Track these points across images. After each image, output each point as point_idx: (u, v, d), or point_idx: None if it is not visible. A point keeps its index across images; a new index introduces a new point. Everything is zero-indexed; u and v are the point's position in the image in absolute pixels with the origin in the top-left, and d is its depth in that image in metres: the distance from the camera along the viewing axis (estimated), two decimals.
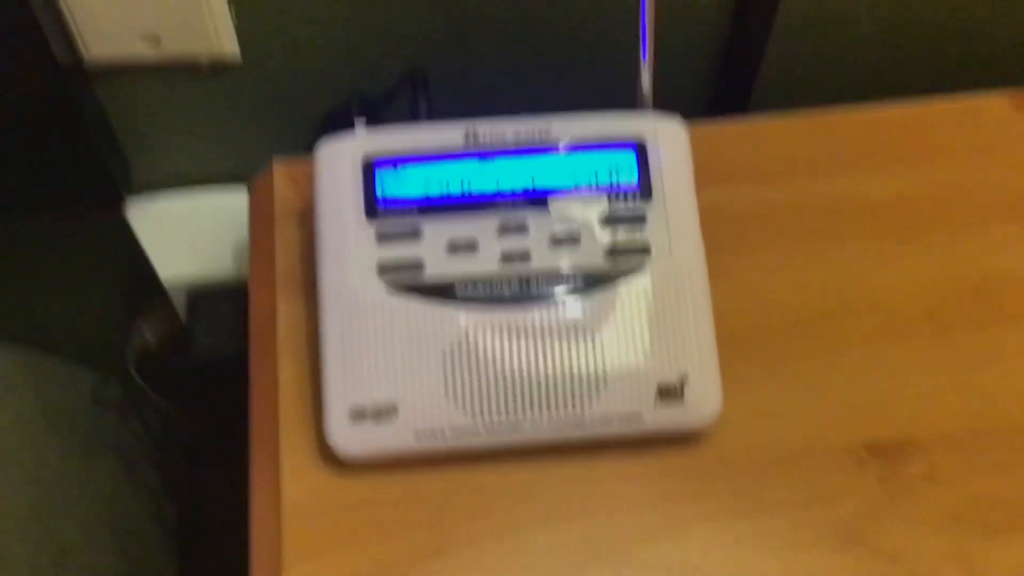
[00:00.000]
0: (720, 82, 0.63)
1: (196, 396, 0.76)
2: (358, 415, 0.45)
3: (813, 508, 0.46)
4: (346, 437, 0.45)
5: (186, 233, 0.66)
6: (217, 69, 0.61)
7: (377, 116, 0.57)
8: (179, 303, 0.68)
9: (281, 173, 0.55)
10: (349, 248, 0.47)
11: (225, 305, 0.66)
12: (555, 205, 0.47)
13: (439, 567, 0.44)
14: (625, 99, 0.51)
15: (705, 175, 0.49)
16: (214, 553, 0.90)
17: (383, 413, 0.45)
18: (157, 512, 0.86)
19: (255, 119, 0.65)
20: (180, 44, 0.58)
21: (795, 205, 0.54)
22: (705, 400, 0.46)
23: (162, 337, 0.72)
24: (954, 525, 0.45)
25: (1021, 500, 0.46)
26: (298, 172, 0.55)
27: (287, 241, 0.53)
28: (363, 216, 0.47)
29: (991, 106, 0.57)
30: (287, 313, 0.51)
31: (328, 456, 0.46)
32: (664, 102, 0.51)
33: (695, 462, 0.47)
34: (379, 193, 0.47)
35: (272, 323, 0.51)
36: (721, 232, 0.51)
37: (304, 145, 0.64)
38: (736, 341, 0.48)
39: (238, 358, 0.66)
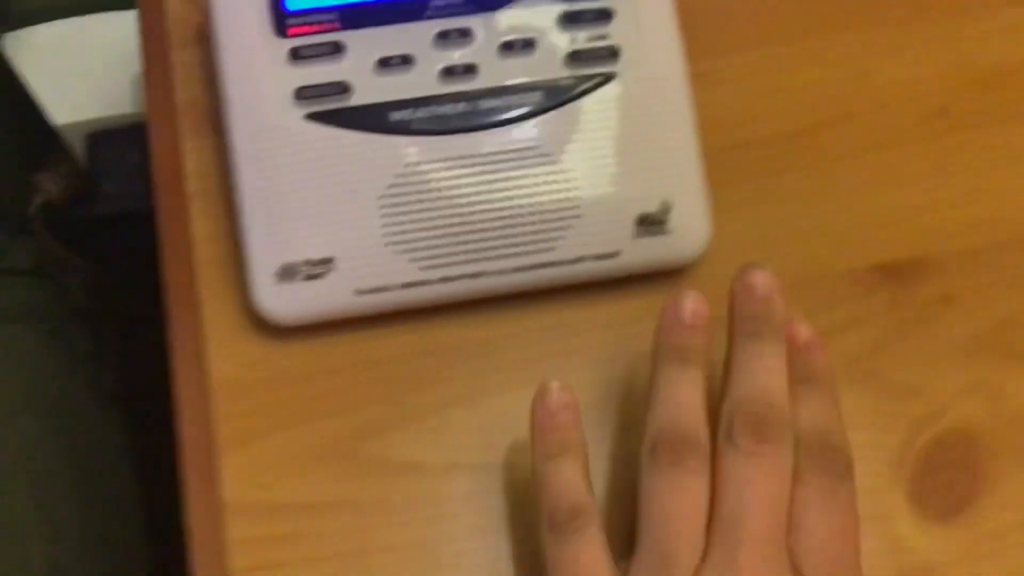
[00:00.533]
0: None
1: (112, 251, 0.69)
2: (287, 273, 0.38)
3: None
4: (275, 299, 0.39)
5: (76, 68, 0.57)
6: None
7: None
8: (79, 149, 0.60)
9: None
10: (256, 73, 0.39)
11: (129, 147, 0.58)
12: (504, 4, 0.39)
13: (397, 440, 0.39)
14: None
15: None
16: (157, 419, 0.86)
17: (316, 269, 0.38)
18: (93, 379, 0.80)
19: None
20: None
21: None
22: (692, 229, 0.40)
23: (66, 188, 0.65)
24: (975, 352, 0.41)
25: None
26: None
27: (187, 67, 0.45)
28: (270, 31, 0.39)
29: None
30: (195, 153, 0.43)
31: (260, 324, 0.40)
32: None
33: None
34: (288, 2, 0.39)
35: (178, 168, 0.43)
36: (697, 31, 0.43)
37: None
38: (721, 159, 0.42)
39: (145, 209, 0.59)
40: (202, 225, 0.42)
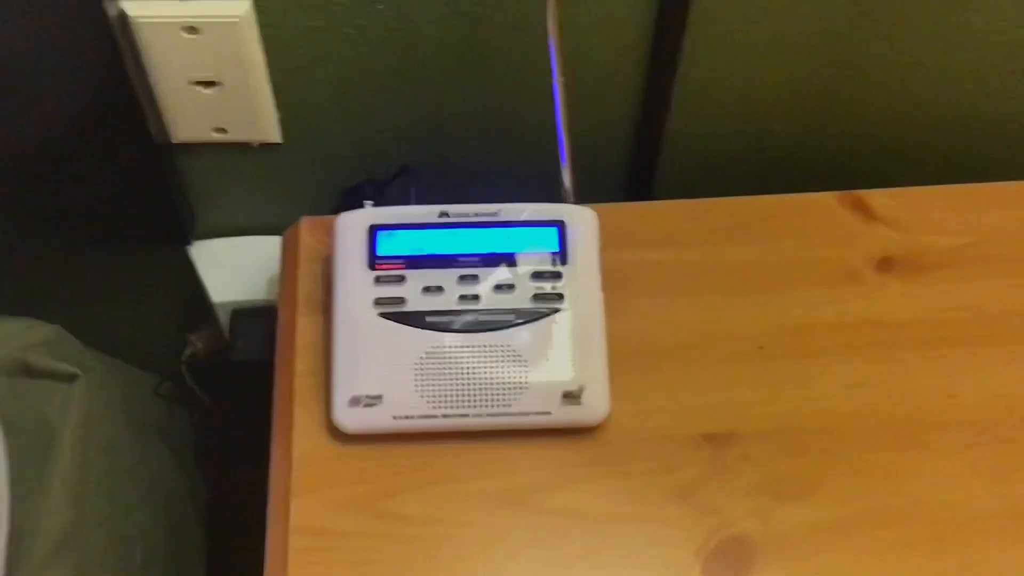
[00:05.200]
0: (632, 172, 0.85)
1: (234, 394, 0.97)
2: (354, 402, 0.66)
3: (660, 475, 0.65)
4: (345, 416, 0.66)
5: (233, 268, 0.87)
6: (265, 149, 0.80)
7: (382, 193, 0.79)
8: (224, 320, 0.89)
9: (306, 228, 0.76)
10: (355, 287, 0.67)
11: (259, 322, 0.87)
12: (499, 264, 0.68)
13: (396, 501, 0.64)
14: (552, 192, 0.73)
15: (610, 240, 0.70)
16: (234, 533, 1.10)
17: (372, 400, 0.66)
18: (192, 492, 1.06)
19: (289, 188, 0.84)
20: (240, 133, 0.79)
21: (674, 265, 0.74)
22: (597, 403, 0.66)
23: (209, 347, 0.94)
24: (758, 492, 0.65)
25: (806, 478, 0.66)
26: (319, 228, 0.75)
27: (307, 276, 0.74)
28: (366, 266, 0.68)
29: (822, 201, 0.78)
30: (304, 327, 0.71)
31: (329, 428, 0.67)
32: (591, 185, 0.71)
33: (580, 443, 0.67)
34: (378, 251, 0.68)
35: (293, 333, 0.72)
36: (616, 281, 0.71)
37: (325, 209, 0.85)
38: (621, 360, 0.68)
39: (267, 362, 0.88)
40: (301, 365, 0.70)
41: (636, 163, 0.83)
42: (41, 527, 0.75)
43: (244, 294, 0.87)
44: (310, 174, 0.84)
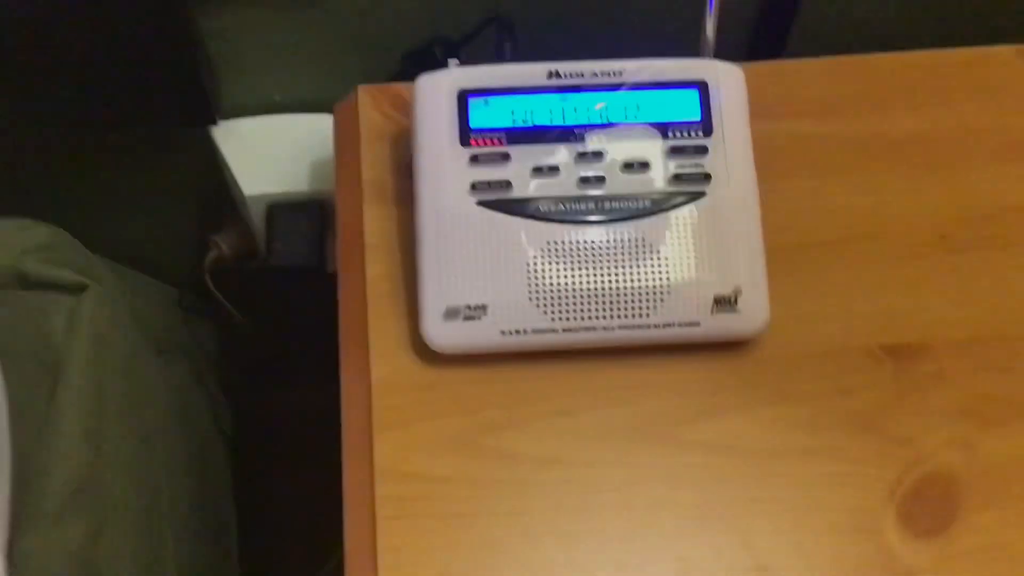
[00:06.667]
0: (759, 30, 0.70)
1: (266, 305, 0.83)
2: (451, 313, 0.52)
3: (834, 399, 0.54)
4: (440, 332, 0.53)
5: (267, 153, 0.73)
6: (305, 1, 0.67)
7: (457, 55, 0.64)
8: (257, 218, 0.75)
9: (366, 99, 0.62)
10: (445, 170, 0.54)
11: (301, 219, 0.73)
12: (628, 136, 0.54)
13: (505, 437, 0.53)
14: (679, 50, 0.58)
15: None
16: (263, 464, 0.98)
17: (473, 312, 0.52)
18: (217, 419, 0.93)
19: (336, 52, 0.71)
20: None
21: (826, 138, 0.61)
22: (756, 310, 0.53)
23: (237, 250, 0.80)
24: (957, 417, 0.54)
25: (1015, 398, 0.54)
26: (382, 98, 0.62)
27: (371, 159, 0.60)
28: (457, 142, 0.54)
29: (1001, 56, 0.64)
30: (373, 220, 0.58)
31: (416, 346, 0.54)
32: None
33: (733, 360, 0.55)
34: (472, 123, 0.54)
35: (359, 228, 0.58)
36: (760, 162, 0.58)
37: (380, 78, 0.71)
38: (774, 257, 0.55)
39: (311, 266, 0.74)
40: (376, 268, 0.56)
41: (767, 14, 0.67)
42: (53, 471, 0.62)
43: (281, 185, 0.73)
44: (361, 33, 0.70)
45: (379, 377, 0.54)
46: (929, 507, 0.51)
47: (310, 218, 0.73)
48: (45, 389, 0.64)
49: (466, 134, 0.54)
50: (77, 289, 0.67)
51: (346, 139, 0.62)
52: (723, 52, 0.58)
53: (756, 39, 0.71)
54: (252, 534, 0.94)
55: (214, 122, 0.72)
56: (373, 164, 0.60)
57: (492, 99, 0.54)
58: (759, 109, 0.60)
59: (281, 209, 0.73)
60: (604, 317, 0.52)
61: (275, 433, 0.99)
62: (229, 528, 0.90)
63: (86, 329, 0.67)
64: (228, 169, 0.73)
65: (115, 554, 0.65)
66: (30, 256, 0.68)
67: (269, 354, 0.92)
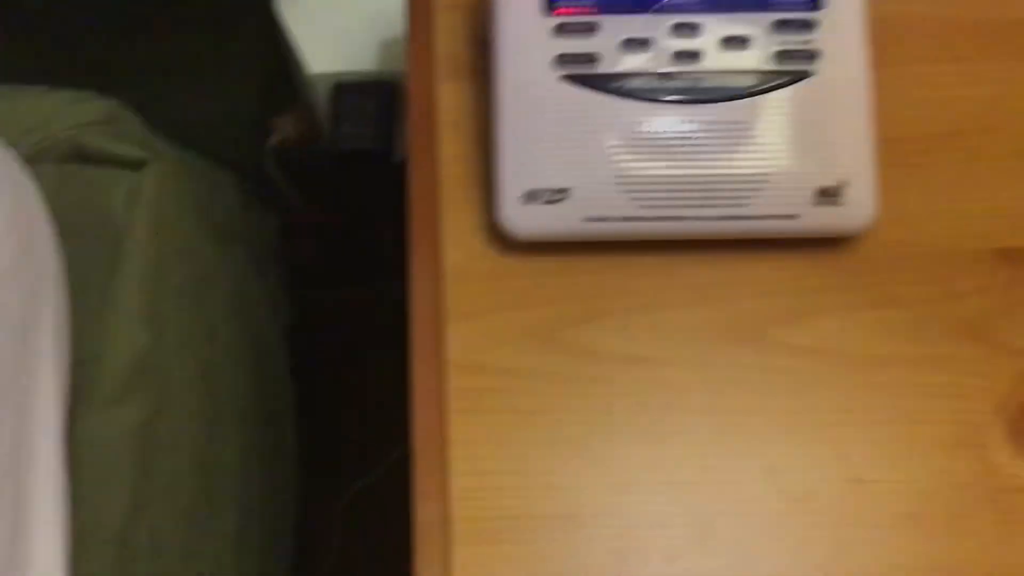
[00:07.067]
0: None
1: (333, 192, 0.80)
2: (531, 197, 0.49)
3: (941, 304, 0.50)
4: (518, 216, 0.49)
5: (334, 27, 0.68)
6: None
7: None
8: (323, 98, 0.71)
9: None
10: (526, 41, 0.49)
11: (370, 99, 0.69)
12: (728, 7, 0.49)
13: (586, 331, 0.49)
14: None
15: None
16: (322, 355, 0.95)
17: (556, 196, 0.49)
18: (276, 310, 0.90)
19: None
20: None
21: (941, 20, 0.55)
22: (862, 205, 0.49)
23: (301, 132, 0.76)
24: None
25: None
26: None
27: (446, 31, 0.56)
28: (540, 10, 0.49)
29: None
30: (447, 95, 0.54)
31: (491, 232, 0.50)
32: None
33: (832, 257, 0.50)
34: None
35: (432, 104, 0.54)
36: (878, 43, 0.52)
37: None
38: (881, 149, 0.51)
39: (379, 151, 0.70)
40: (449, 149, 0.52)
41: None
42: (112, 351, 0.60)
43: (348, 63, 0.69)
44: None
45: (452, 264, 0.50)
46: None
47: (379, 99, 0.69)
48: (104, 267, 0.62)
49: (551, 1, 0.49)
50: (138, 165, 0.65)
51: (418, 9, 0.57)
52: None
53: None
54: (308, 428, 0.92)
55: None
56: (447, 36, 0.56)
57: None
58: None
59: (348, 89, 0.69)
60: (696, 206, 0.48)
61: (334, 329, 0.97)
62: (286, 417, 0.88)
63: (146, 208, 0.64)
64: (293, 44, 0.69)
65: (174, 436, 0.63)
66: (89, 129, 0.66)
67: (332, 245, 0.89)
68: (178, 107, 0.78)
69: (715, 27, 0.49)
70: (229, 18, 0.72)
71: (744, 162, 0.48)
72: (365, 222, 0.81)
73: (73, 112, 0.66)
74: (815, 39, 0.49)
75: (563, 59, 0.49)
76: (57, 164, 0.64)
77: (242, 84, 0.77)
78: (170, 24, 0.74)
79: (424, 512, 0.46)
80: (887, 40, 0.53)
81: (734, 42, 0.49)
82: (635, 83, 0.48)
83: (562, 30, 0.49)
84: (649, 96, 0.48)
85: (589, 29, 0.49)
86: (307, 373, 0.92)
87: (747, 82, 0.48)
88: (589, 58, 0.49)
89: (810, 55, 0.48)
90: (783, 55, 0.48)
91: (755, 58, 0.49)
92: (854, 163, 0.49)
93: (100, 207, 0.63)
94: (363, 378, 1.00)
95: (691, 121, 0.48)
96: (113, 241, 0.62)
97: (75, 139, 0.65)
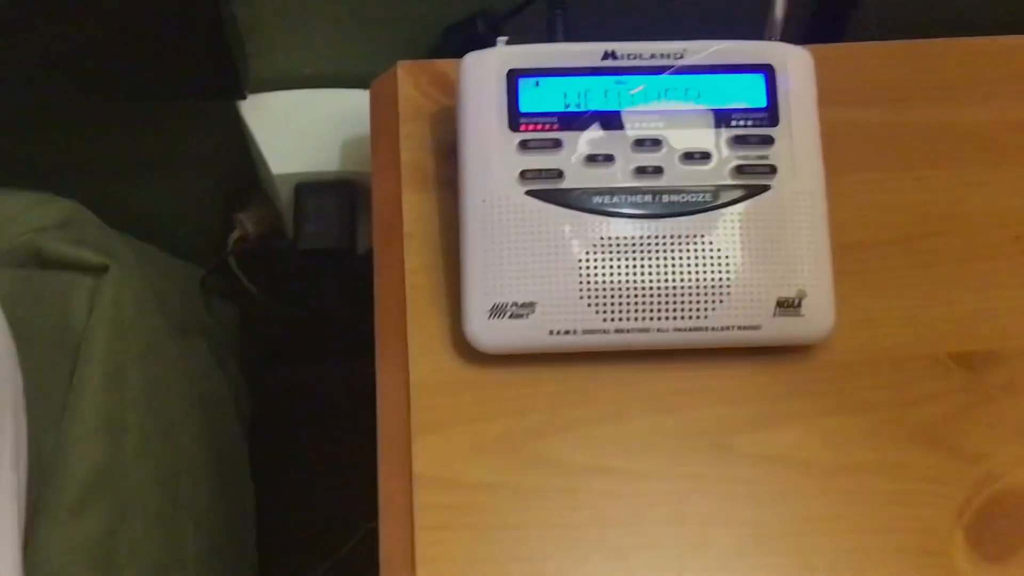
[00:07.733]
0: (818, 10, 0.66)
1: (294, 287, 0.80)
2: (497, 311, 0.49)
3: (900, 410, 0.50)
4: (485, 331, 0.49)
5: (296, 130, 0.69)
6: None
7: (498, 31, 0.60)
8: (286, 196, 0.71)
9: (406, 75, 0.58)
10: (492, 155, 0.50)
11: (330, 200, 0.69)
12: (688, 124, 0.50)
13: (553, 443, 0.49)
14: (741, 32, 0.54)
15: None
16: (280, 449, 0.94)
17: (521, 310, 0.49)
18: (235, 401, 0.90)
19: (372, 23, 0.67)
20: None
21: (893, 128, 0.57)
22: (821, 314, 0.50)
23: (261, 229, 0.76)
24: None
25: None
26: (422, 75, 0.58)
27: (411, 139, 0.56)
28: (506, 127, 0.50)
29: None
30: (412, 204, 0.54)
31: (457, 345, 0.51)
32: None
33: (792, 365, 0.51)
34: (521, 106, 0.50)
35: (397, 212, 0.54)
36: (826, 151, 0.54)
37: (419, 52, 0.67)
38: (837, 257, 0.52)
39: (340, 249, 0.70)
40: (414, 260, 0.53)
41: None
42: (71, 462, 0.59)
43: (310, 164, 0.69)
44: (398, 2, 0.67)
45: (418, 376, 0.51)
46: (1000, 529, 0.48)
47: (340, 199, 0.70)
48: (64, 375, 0.62)
49: (515, 118, 0.50)
50: (98, 269, 0.64)
51: (383, 118, 0.58)
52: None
53: (814, 20, 0.67)
54: (269, 518, 0.91)
55: (242, 96, 0.68)
56: (412, 146, 0.56)
57: (543, 80, 0.51)
58: (820, 96, 0.56)
59: (310, 189, 0.70)
60: (659, 318, 0.49)
61: (294, 417, 0.96)
62: (247, 514, 0.87)
63: (107, 312, 0.64)
64: (255, 145, 0.70)
65: (134, 547, 0.62)
66: (48, 233, 0.65)
67: (292, 336, 0.89)
68: (141, 204, 0.79)
69: (676, 143, 0.50)
70: (194, 117, 0.72)
71: (705, 275, 0.49)
72: (326, 314, 0.81)
73: (32, 216, 0.66)
74: (772, 153, 0.50)
75: (527, 175, 0.50)
76: (16, 269, 0.64)
77: (205, 181, 0.77)
78: (134, 122, 0.74)
79: None
80: (838, 148, 0.54)
81: (695, 157, 0.50)
82: (598, 199, 0.49)
83: (526, 146, 0.50)
84: (612, 211, 0.49)
85: (553, 145, 0.50)
86: (268, 461, 0.91)
87: (707, 196, 0.49)
88: (553, 174, 0.50)
89: (768, 169, 0.50)
90: (742, 169, 0.50)
91: (715, 172, 0.50)
92: (812, 274, 0.50)
93: (59, 313, 0.63)
94: (324, 464, 0.99)
95: (653, 235, 0.49)
96: (72, 348, 0.62)
97: (34, 243, 0.64)
